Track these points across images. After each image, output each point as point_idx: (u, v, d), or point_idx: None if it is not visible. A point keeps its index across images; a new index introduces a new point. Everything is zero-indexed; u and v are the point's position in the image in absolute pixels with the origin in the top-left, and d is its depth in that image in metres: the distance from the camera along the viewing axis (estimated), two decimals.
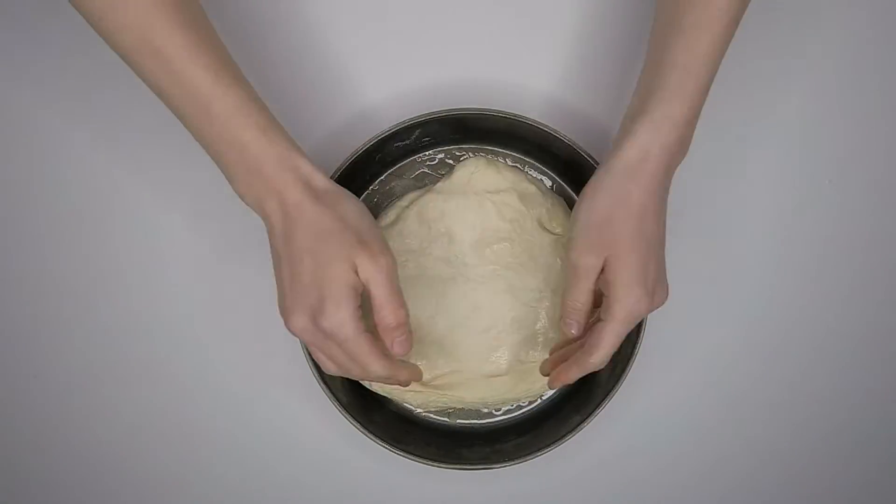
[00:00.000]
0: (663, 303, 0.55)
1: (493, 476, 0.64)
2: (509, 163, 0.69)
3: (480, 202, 0.66)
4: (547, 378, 0.61)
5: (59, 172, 0.69)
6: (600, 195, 0.54)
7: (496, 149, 0.69)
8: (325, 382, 0.62)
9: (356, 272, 0.52)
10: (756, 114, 0.69)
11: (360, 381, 0.65)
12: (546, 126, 0.64)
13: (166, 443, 0.68)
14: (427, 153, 0.69)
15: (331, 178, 0.61)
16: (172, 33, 0.51)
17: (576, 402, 0.66)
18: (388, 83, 0.70)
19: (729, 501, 0.69)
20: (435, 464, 0.62)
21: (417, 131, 0.66)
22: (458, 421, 0.68)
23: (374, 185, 0.69)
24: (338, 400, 0.62)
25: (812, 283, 0.69)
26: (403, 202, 0.67)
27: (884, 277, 0.69)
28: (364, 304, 0.54)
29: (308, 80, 0.70)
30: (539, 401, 0.68)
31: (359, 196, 0.69)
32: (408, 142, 0.67)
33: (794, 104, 0.70)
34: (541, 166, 0.69)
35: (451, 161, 0.69)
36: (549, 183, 0.69)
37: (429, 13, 0.70)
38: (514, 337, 0.64)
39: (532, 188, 0.67)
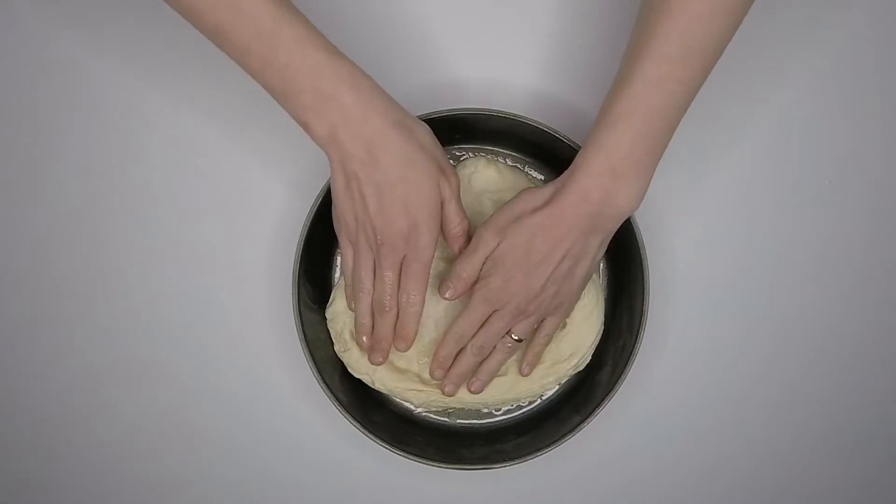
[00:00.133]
0: (511, 293, 0.58)
1: (493, 476, 0.64)
2: (509, 163, 0.69)
3: (480, 202, 0.66)
4: (547, 380, 0.64)
5: (59, 172, 0.69)
6: (525, 199, 0.58)
7: (496, 149, 0.69)
8: (326, 382, 0.62)
9: (440, 195, 0.58)
10: (756, 114, 0.69)
11: (357, 374, 0.65)
12: (546, 126, 0.63)
13: (166, 443, 0.68)
14: None
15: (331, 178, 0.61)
16: None
17: (576, 402, 0.66)
18: (387, 83, 0.70)
19: (729, 501, 0.69)
20: (435, 464, 0.62)
21: None
22: (458, 421, 0.68)
23: None
24: (338, 400, 0.62)
25: (812, 283, 0.69)
26: None
27: (884, 277, 0.69)
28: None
29: None
30: (539, 401, 0.68)
31: None
32: None
33: (794, 104, 0.70)
34: (541, 166, 0.69)
35: (451, 161, 0.69)
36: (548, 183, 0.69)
37: (428, 13, 0.70)
38: None
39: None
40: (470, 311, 0.60)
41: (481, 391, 0.64)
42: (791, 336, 0.69)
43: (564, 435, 0.62)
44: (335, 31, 0.70)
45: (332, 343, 0.66)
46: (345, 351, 0.65)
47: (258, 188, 0.69)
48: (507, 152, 0.69)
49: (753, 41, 0.66)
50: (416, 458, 0.62)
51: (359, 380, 0.66)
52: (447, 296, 0.60)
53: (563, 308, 0.61)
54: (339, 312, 0.65)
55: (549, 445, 0.62)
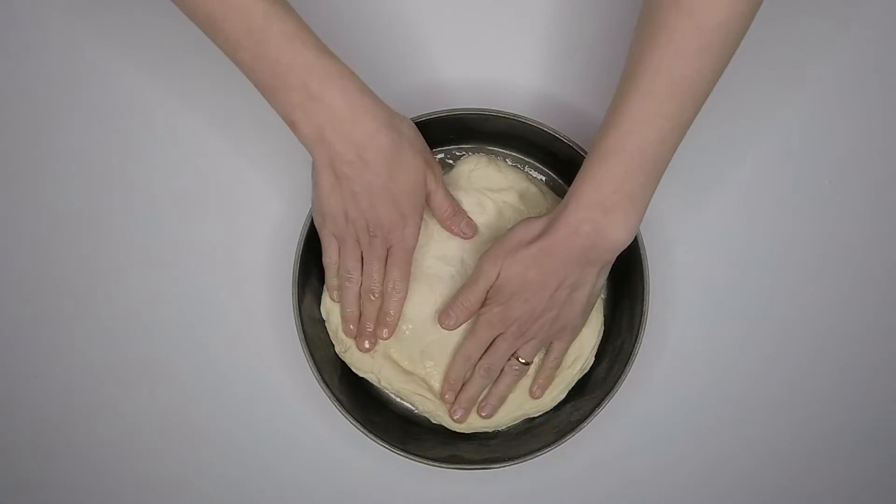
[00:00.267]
0: (516, 315, 0.60)
1: (493, 476, 0.64)
2: (509, 163, 0.69)
3: (480, 200, 0.66)
4: (556, 391, 0.64)
5: (59, 172, 0.69)
6: (522, 230, 0.59)
7: (496, 149, 0.69)
8: (326, 382, 0.62)
9: (426, 189, 0.60)
10: (756, 114, 0.69)
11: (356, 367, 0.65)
12: (546, 126, 0.63)
13: (166, 443, 0.68)
14: None
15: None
16: None
17: (576, 403, 0.66)
18: (387, 83, 0.70)
19: (729, 501, 0.69)
20: (435, 464, 0.62)
21: None
22: None
23: None
24: (338, 400, 0.62)
25: (812, 283, 0.69)
26: None
27: (884, 277, 0.69)
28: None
29: None
30: None
31: None
32: None
33: (794, 104, 0.70)
34: (541, 166, 0.69)
35: (450, 161, 0.69)
36: (548, 183, 0.69)
37: (428, 13, 0.70)
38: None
39: (532, 188, 0.67)
40: (475, 334, 0.62)
41: (492, 416, 0.64)
42: (791, 336, 0.69)
43: (564, 435, 0.62)
44: (337, 31, 0.70)
45: (332, 343, 0.66)
46: (345, 351, 0.65)
47: (258, 188, 0.69)
48: (507, 152, 0.69)
49: (752, 43, 0.66)
50: (416, 458, 0.62)
51: (359, 380, 0.66)
52: (449, 325, 0.61)
53: (567, 332, 0.62)
54: (331, 311, 0.65)
55: (549, 445, 0.62)
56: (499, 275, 0.59)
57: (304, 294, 0.64)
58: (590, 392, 0.65)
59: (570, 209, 0.56)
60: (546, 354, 0.64)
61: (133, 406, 0.68)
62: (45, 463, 0.68)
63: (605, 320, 0.66)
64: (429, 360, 0.64)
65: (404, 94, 0.70)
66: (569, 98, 0.70)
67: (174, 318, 0.69)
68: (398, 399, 0.67)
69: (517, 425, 0.66)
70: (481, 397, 0.64)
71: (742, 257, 0.69)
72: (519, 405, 0.65)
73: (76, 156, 0.69)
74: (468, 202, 0.65)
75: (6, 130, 0.69)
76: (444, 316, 0.62)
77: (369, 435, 0.61)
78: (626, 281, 0.65)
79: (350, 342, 0.64)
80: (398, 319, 0.64)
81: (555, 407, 0.66)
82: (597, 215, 0.55)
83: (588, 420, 0.62)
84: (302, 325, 0.62)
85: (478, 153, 0.68)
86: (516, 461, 0.62)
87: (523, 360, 0.62)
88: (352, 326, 0.64)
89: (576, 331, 0.63)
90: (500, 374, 0.63)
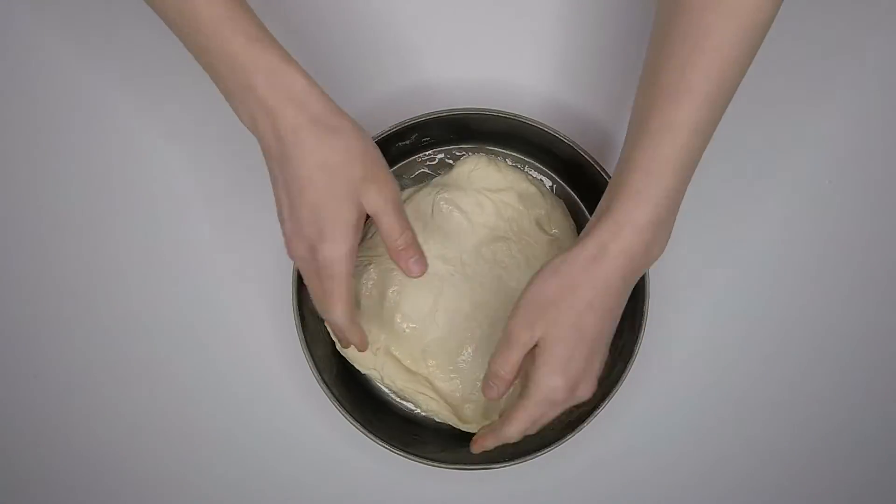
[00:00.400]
0: (585, 398, 0.54)
1: (493, 476, 0.64)
2: (509, 163, 0.69)
3: (479, 199, 0.66)
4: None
5: (59, 172, 0.69)
6: (553, 278, 0.53)
7: (496, 149, 0.69)
8: (325, 382, 0.62)
9: (360, 207, 0.52)
10: (756, 114, 0.69)
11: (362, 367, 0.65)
12: (546, 126, 0.63)
13: (166, 443, 0.68)
14: (427, 153, 0.69)
15: None
16: None
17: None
18: (388, 83, 0.70)
19: (729, 501, 0.69)
20: (435, 464, 0.62)
21: (417, 131, 0.66)
22: None
23: None
24: (338, 400, 0.62)
25: (812, 283, 0.69)
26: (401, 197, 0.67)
27: (884, 277, 0.69)
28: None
29: None
30: None
31: None
32: (408, 142, 0.67)
33: (794, 104, 0.70)
34: (541, 167, 0.69)
35: (450, 161, 0.69)
36: (549, 183, 0.69)
37: (428, 13, 0.70)
38: None
39: (532, 188, 0.67)
40: (525, 414, 0.54)
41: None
42: (791, 336, 0.69)
43: (564, 435, 0.62)
44: (336, 30, 0.70)
45: (333, 343, 0.66)
46: (347, 348, 0.65)
47: (258, 188, 0.69)
48: (508, 152, 0.69)
49: None
50: (416, 458, 0.62)
51: (359, 380, 0.66)
52: (493, 396, 0.56)
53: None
54: None
55: (549, 445, 0.61)
56: (540, 338, 0.52)
57: (303, 294, 0.64)
58: None
59: (627, 233, 0.51)
60: None
61: (133, 406, 0.68)
62: (45, 463, 0.68)
63: None
64: (431, 359, 0.64)
65: (404, 93, 0.70)
66: (569, 98, 0.70)
67: (174, 318, 0.69)
68: (398, 399, 0.67)
69: None
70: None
71: (742, 257, 0.69)
72: None
73: (76, 156, 0.69)
74: (468, 202, 0.65)
75: (6, 130, 0.69)
76: (487, 388, 0.56)
77: (369, 435, 0.61)
78: None
79: None
80: (361, 343, 0.57)
81: None
82: (649, 235, 0.51)
83: (588, 420, 0.62)
84: (302, 324, 0.62)
85: (478, 153, 0.68)
86: (516, 461, 0.62)
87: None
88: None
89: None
90: None
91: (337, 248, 0.51)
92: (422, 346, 0.64)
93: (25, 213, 0.69)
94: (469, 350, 0.64)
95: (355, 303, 0.59)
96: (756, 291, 0.69)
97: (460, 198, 0.65)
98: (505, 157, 0.69)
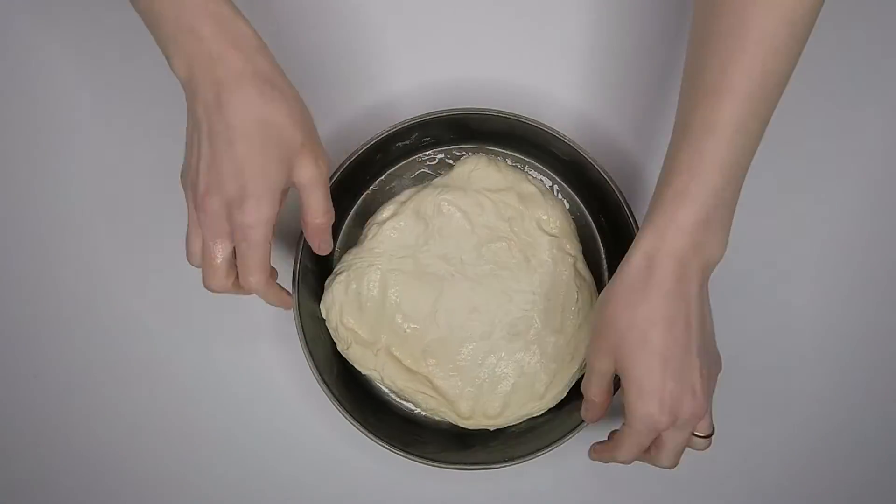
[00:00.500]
0: (696, 414, 0.50)
1: (493, 476, 0.64)
2: (510, 163, 0.69)
3: (479, 200, 0.66)
4: (552, 393, 0.63)
5: (59, 172, 0.69)
6: (612, 302, 0.51)
7: (497, 149, 0.69)
8: (325, 382, 0.62)
9: (289, 174, 0.50)
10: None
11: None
12: (547, 127, 0.63)
13: (166, 443, 0.68)
14: (427, 153, 0.69)
15: (331, 178, 0.61)
16: None
17: (576, 402, 0.65)
18: (388, 83, 0.70)
19: (729, 501, 0.69)
20: (435, 464, 0.62)
21: (418, 131, 0.66)
22: None
23: (374, 185, 0.69)
24: (338, 400, 0.62)
25: (812, 283, 0.69)
26: (401, 197, 0.67)
27: (884, 277, 0.69)
28: None
29: (307, 82, 0.69)
30: None
31: (359, 196, 0.69)
32: (408, 142, 0.67)
33: (794, 104, 0.70)
34: (541, 167, 0.69)
35: (451, 161, 0.69)
36: (549, 183, 0.69)
37: (429, 13, 0.70)
38: (514, 345, 0.64)
39: (532, 189, 0.67)
40: (629, 441, 0.52)
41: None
42: (791, 336, 0.69)
43: (564, 435, 0.62)
44: (334, 33, 0.70)
45: (333, 343, 0.66)
46: (347, 349, 0.65)
47: None
48: (508, 152, 0.69)
49: None
50: (416, 458, 0.62)
51: (359, 380, 0.66)
52: (589, 419, 0.56)
53: (717, 367, 0.54)
54: (330, 309, 0.64)
55: (549, 445, 0.61)
56: (616, 360, 0.50)
57: (303, 293, 0.64)
58: None
59: (670, 236, 0.49)
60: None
61: (133, 406, 0.68)
62: (45, 463, 0.68)
63: None
64: (431, 358, 0.64)
65: (404, 93, 0.70)
66: (569, 98, 0.70)
67: (174, 318, 0.69)
68: (398, 399, 0.67)
69: (518, 425, 0.66)
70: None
71: (742, 257, 0.69)
72: (523, 404, 0.65)
73: (76, 156, 0.69)
74: (468, 202, 0.65)
75: (6, 130, 0.69)
76: (584, 411, 0.56)
77: (369, 435, 0.61)
78: None
79: (352, 340, 0.64)
80: (287, 301, 0.54)
81: (555, 406, 0.66)
82: (699, 235, 0.49)
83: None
84: (302, 325, 0.62)
85: (478, 153, 0.68)
86: (516, 461, 0.62)
87: (703, 434, 0.53)
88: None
89: (719, 360, 0.55)
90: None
91: (259, 212, 0.49)
92: (422, 346, 0.64)
93: (25, 213, 0.69)
94: (469, 348, 0.64)
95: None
96: (757, 292, 0.69)
97: (460, 198, 0.65)
98: (505, 157, 0.69)
